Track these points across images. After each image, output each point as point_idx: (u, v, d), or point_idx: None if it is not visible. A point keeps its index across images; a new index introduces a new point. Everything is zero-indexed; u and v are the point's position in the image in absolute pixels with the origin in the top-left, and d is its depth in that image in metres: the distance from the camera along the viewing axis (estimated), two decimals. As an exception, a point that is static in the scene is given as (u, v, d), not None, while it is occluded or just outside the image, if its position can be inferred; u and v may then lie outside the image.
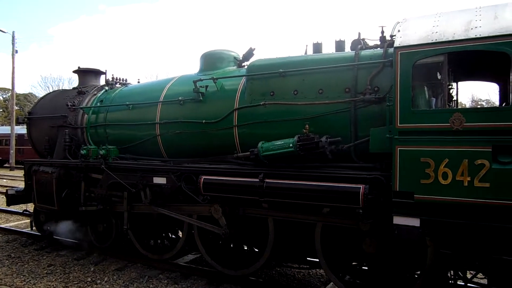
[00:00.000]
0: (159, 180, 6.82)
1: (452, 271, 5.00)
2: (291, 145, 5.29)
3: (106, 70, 9.41)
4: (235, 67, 7.20)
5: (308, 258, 6.47)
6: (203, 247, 6.84)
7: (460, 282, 5.22)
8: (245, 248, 6.71)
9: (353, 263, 5.78)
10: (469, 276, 5.21)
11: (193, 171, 6.43)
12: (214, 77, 6.49)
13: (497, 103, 5.72)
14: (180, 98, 6.80)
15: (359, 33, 5.72)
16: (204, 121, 6.44)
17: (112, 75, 9.10)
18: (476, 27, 4.28)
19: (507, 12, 4.27)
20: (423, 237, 4.58)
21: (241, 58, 7.21)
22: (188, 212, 6.81)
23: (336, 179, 5.11)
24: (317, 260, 5.92)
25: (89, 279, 6.92)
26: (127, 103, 7.60)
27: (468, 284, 5.16)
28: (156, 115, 7.10)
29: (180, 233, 7.44)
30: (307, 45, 6.19)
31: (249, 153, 5.74)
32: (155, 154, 7.25)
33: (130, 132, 7.55)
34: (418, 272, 5.21)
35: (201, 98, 6.57)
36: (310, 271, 7.19)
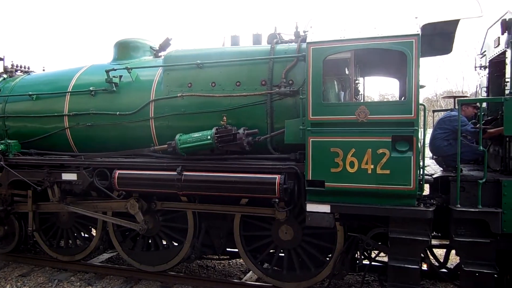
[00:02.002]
0: (69, 176, 6.36)
1: (359, 252, 5.41)
2: (209, 137, 5.28)
3: (4, 56, 8.45)
4: (151, 57, 6.94)
5: (228, 249, 6.55)
6: (120, 244, 6.57)
7: (365, 262, 5.67)
8: (164, 243, 6.57)
9: (271, 251, 5.97)
10: (373, 255, 5.69)
11: (106, 166, 6.11)
12: (129, 66, 6.20)
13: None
14: (91, 88, 6.39)
15: (275, 28, 5.87)
16: (118, 113, 6.14)
17: (12, 62, 8.21)
18: (379, 28, 4.64)
19: (406, 17, 4.70)
20: (333, 222, 4.89)
21: (157, 48, 6.97)
22: (102, 209, 6.47)
23: (253, 170, 5.22)
24: (237, 250, 6.02)
25: (-13, 288, 6.26)
26: (30, 93, 6.93)
27: (373, 263, 5.63)
28: (64, 106, 6.59)
29: (94, 231, 7.05)
30: (224, 37, 6.20)
31: (166, 145, 5.60)
32: (64, 148, 6.73)
33: (34, 125, 6.90)
34: (330, 255, 5.56)
35: (114, 88, 6.23)
36: (230, 261, 7.29)
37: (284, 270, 5.78)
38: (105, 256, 7.61)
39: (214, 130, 5.27)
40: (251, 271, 6.34)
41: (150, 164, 5.81)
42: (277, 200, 5.07)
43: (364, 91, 6.62)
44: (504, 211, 4.33)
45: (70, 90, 6.62)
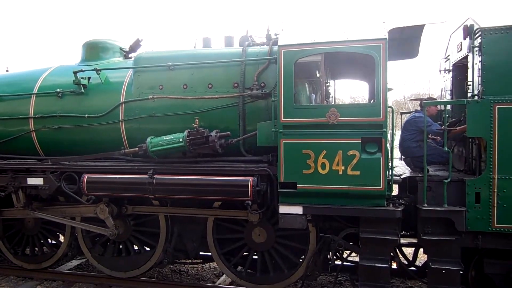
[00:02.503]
0: (35, 181, 6.13)
1: (331, 253, 5.48)
2: (181, 139, 5.22)
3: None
4: (121, 58, 6.80)
5: (201, 253, 6.49)
6: (89, 250, 6.39)
7: (337, 262, 5.75)
8: (136, 248, 6.44)
9: (245, 254, 5.97)
10: (345, 255, 5.78)
11: (74, 170, 5.94)
12: (98, 68, 6.06)
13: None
14: (58, 90, 6.19)
15: (247, 30, 5.90)
16: (86, 115, 5.97)
17: (-28, 62, 7.85)
18: (348, 32, 4.75)
19: (374, 22, 4.82)
20: (306, 223, 4.94)
21: (127, 49, 6.85)
22: (70, 214, 6.28)
23: (226, 173, 5.21)
24: (210, 253, 5.97)
25: None
26: (-8, 94, 6.65)
27: (345, 263, 5.72)
28: (30, 108, 6.35)
29: (62, 237, 6.83)
30: (196, 39, 6.17)
31: (137, 148, 5.50)
32: (29, 152, 6.49)
33: (-4, 128, 6.63)
34: (303, 257, 5.60)
35: (82, 90, 6.07)
36: (203, 265, 7.23)
37: (258, 273, 5.78)
38: (74, 263, 7.39)
39: (186, 132, 5.22)
40: (224, 275, 6.30)
41: (121, 168, 5.69)
42: (250, 202, 5.07)
43: (335, 93, 6.74)
44: (468, 209, 4.50)
45: (36, 91, 6.39)
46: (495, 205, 4.42)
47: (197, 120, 5.21)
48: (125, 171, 5.65)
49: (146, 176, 5.39)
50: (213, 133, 5.18)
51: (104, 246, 6.54)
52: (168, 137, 5.33)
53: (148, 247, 6.40)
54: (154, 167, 5.45)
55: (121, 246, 6.42)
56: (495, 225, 4.43)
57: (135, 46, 6.77)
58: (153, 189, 5.37)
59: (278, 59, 4.83)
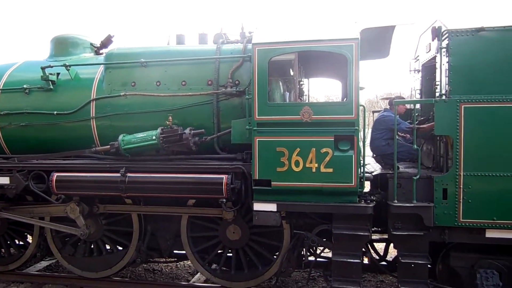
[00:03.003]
0: (1, 180, 5.91)
1: (304, 249, 5.55)
2: (154, 137, 5.16)
3: None
4: (91, 54, 6.62)
5: (175, 251, 6.44)
6: (59, 251, 6.23)
7: (311, 258, 5.83)
8: (108, 247, 6.32)
9: (219, 251, 5.96)
10: (318, 252, 5.86)
11: (43, 168, 5.76)
12: (67, 63, 5.89)
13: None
14: (25, 86, 5.98)
15: (221, 28, 5.87)
16: (56, 112, 5.81)
17: None
18: (322, 32, 4.81)
19: (347, 23, 4.89)
20: (280, 220, 4.98)
21: (98, 45, 6.68)
22: (39, 214, 6.09)
23: (200, 171, 5.18)
24: (184, 252, 5.93)
25: None
26: (-46, 90, 6.34)
27: (318, 259, 5.80)
28: (-6, 105, 6.12)
29: (30, 238, 6.62)
30: (169, 36, 6.09)
31: (109, 146, 5.40)
32: (-6, 150, 6.26)
33: (-41, 125, 6.34)
34: (277, 253, 5.65)
35: (51, 86, 5.89)
36: (177, 264, 7.18)
37: (233, 270, 5.78)
38: (43, 264, 7.18)
39: (159, 130, 5.17)
40: (199, 273, 6.27)
41: (92, 166, 5.57)
42: (224, 200, 5.07)
43: (309, 92, 6.80)
44: (436, 205, 4.65)
45: (1, 87, 6.16)
46: (461, 200, 4.58)
47: (170, 118, 5.16)
48: (96, 169, 5.53)
49: (118, 174, 5.30)
50: (187, 131, 5.15)
51: (75, 246, 6.38)
52: (140, 135, 5.27)
53: (120, 247, 6.30)
54: (126, 165, 5.36)
55: (92, 246, 6.28)
56: (461, 220, 4.60)
57: (106, 42, 6.61)
58: (125, 187, 5.28)
59: (252, 57, 4.84)
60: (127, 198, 5.67)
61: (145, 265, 7.06)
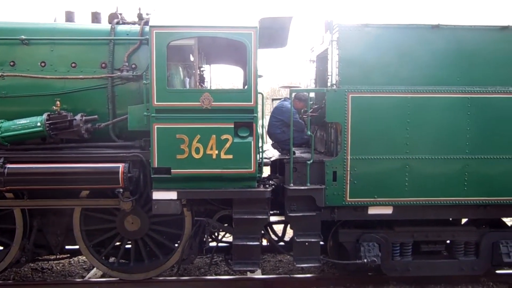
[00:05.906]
0: None
1: (206, 235, 5.58)
2: (38, 124, 4.70)
3: None
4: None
5: (67, 247, 5.97)
6: None
7: (213, 244, 5.90)
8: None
9: (117, 244, 5.69)
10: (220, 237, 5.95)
11: None
12: None
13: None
14: None
15: (117, 7, 5.51)
16: None
17: None
18: (222, 19, 4.81)
19: (247, 12, 4.95)
20: (181, 208, 4.93)
21: (-33, 17, 5.79)
22: None
23: (94, 160, 4.86)
24: (78, 247, 5.54)
25: None
26: None
27: (219, 244, 5.89)
28: None
29: None
30: (57, 13, 5.53)
31: (-17, 134, 4.75)
32: None
33: None
34: (178, 242, 5.59)
35: None
36: (71, 260, 6.68)
37: (132, 262, 5.57)
38: None
39: (45, 116, 4.72)
40: (95, 268, 5.92)
41: (-39, 157, 4.85)
42: (121, 190, 4.84)
43: (211, 78, 6.77)
44: (327, 187, 5.04)
45: None
46: (348, 182, 5.03)
47: (58, 103, 4.74)
48: (-33, 160, 4.83)
49: (-5, 166, 4.71)
50: (78, 117, 4.79)
51: None
52: (22, 121, 4.75)
53: (1, 246, 5.63)
54: (5, 155, 4.79)
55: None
56: (348, 199, 5.06)
57: (-22, 14, 5.75)
58: (4, 180, 4.72)
59: (150, 40, 4.64)
60: (7, 192, 5.07)
61: (32, 264, 6.43)
